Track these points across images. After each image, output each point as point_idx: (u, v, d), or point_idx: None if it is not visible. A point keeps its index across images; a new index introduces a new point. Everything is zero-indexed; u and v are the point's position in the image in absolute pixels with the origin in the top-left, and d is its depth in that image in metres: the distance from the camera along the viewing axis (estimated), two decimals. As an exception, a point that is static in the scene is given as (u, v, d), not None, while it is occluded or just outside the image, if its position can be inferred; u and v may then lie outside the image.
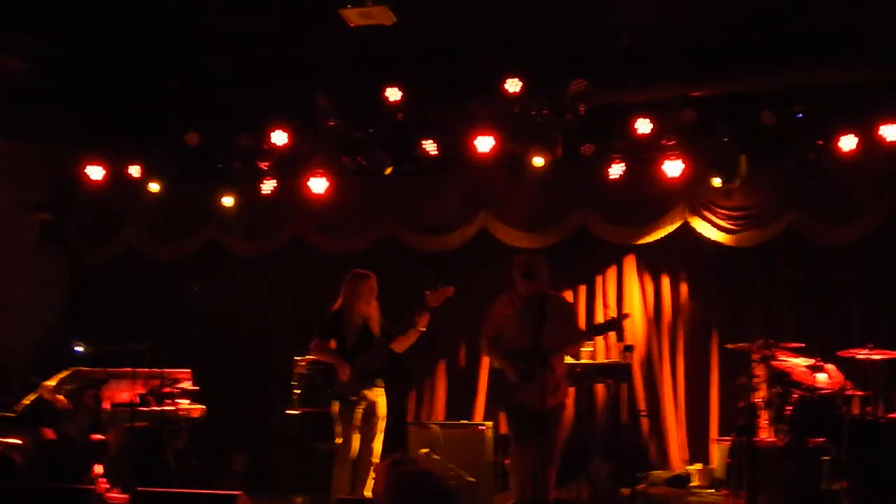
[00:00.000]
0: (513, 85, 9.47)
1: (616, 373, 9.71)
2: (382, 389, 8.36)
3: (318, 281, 10.76)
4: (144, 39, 9.77)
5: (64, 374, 9.34)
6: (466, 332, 10.81)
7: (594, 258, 10.70)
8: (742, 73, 9.39)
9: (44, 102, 10.48)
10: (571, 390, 8.85)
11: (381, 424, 8.31)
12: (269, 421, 10.49)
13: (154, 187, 10.91)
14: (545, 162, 9.81)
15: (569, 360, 8.78)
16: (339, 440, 8.24)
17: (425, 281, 8.82)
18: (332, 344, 8.30)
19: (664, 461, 10.23)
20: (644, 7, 8.89)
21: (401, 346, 8.33)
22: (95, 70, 10.27)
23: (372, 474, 8.19)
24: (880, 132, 9.03)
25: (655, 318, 10.52)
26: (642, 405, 10.32)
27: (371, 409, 8.25)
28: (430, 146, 10.07)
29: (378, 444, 8.30)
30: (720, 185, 9.64)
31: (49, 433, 9.04)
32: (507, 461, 8.56)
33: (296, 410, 9.73)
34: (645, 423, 10.28)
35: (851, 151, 9.21)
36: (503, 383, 7.67)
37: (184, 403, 9.65)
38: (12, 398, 9.27)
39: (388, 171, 10.38)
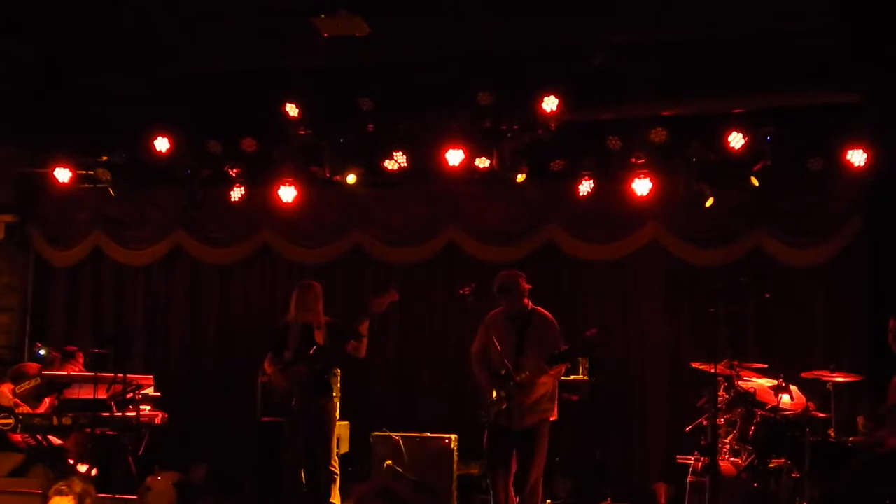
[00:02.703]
0: (484, 99, 9.48)
1: (582, 389, 9.72)
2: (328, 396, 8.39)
3: (286, 290, 10.70)
4: (115, 42, 9.72)
5: (26, 377, 9.25)
6: (434, 345, 10.79)
7: (561, 274, 10.70)
8: (712, 94, 9.46)
9: (10, 103, 10.38)
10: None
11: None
12: (231, 430, 10.43)
13: (118, 191, 10.80)
14: (523, 178, 9.83)
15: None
16: None
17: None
18: (287, 355, 8.31)
19: (629, 479, 10.22)
20: (617, 26, 8.94)
21: (359, 352, 8.25)
22: (63, 71, 10.19)
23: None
24: (847, 156, 9.11)
25: (622, 335, 10.52)
26: (607, 422, 10.31)
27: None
28: (399, 158, 10.05)
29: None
30: (710, 204, 9.66)
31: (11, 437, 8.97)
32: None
33: (257, 420, 9.68)
34: (610, 439, 10.27)
35: (818, 174, 9.29)
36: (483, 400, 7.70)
37: (146, 410, 9.56)
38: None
39: (354, 181, 10.30)
